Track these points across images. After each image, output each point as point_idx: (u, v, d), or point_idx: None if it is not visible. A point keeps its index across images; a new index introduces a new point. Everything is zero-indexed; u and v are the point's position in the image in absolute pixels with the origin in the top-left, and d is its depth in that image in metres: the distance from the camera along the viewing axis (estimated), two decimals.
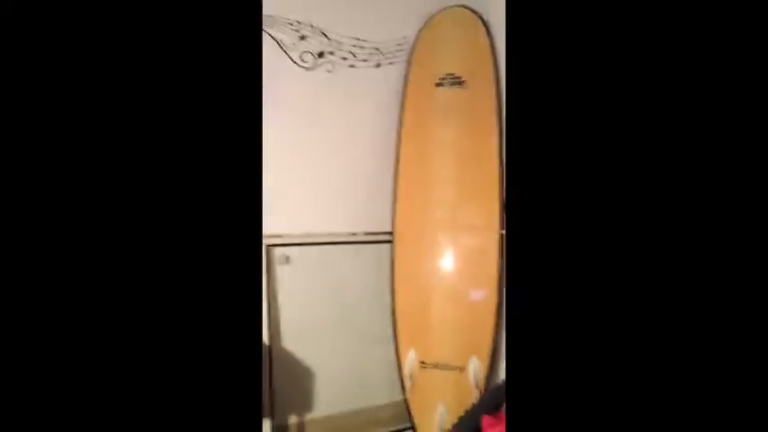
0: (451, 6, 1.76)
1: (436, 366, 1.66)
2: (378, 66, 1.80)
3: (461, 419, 1.23)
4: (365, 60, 1.78)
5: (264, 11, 1.57)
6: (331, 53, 1.71)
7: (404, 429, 1.79)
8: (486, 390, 1.58)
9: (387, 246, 1.78)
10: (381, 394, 1.86)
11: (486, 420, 1.17)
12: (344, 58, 1.74)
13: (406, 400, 1.69)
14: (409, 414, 1.69)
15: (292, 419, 1.75)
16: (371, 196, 1.84)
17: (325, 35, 1.69)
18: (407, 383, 1.67)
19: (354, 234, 1.83)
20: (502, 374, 1.52)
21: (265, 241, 1.62)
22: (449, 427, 1.48)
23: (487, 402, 1.25)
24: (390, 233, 1.77)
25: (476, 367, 1.60)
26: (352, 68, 1.76)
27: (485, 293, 1.64)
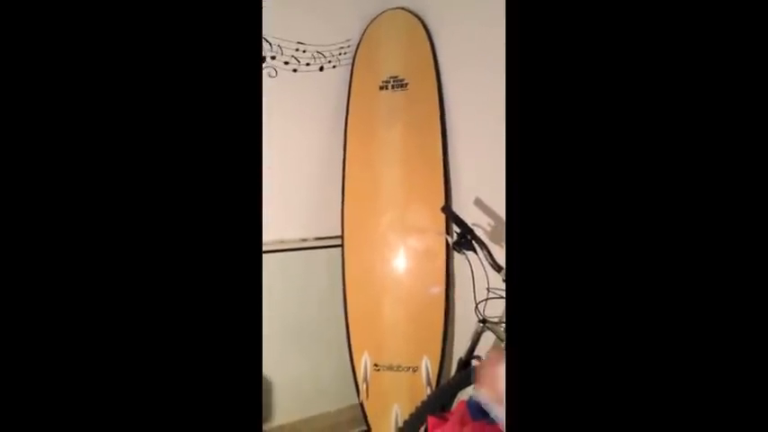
0: (392, 9, 1.77)
1: (390, 368, 1.67)
2: (321, 69, 1.79)
3: (407, 422, 1.23)
4: (308, 64, 1.76)
5: None
6: (273, 58, 1.69)
7: None
8: (434, 390, 1.59)
9: (338, 250, 1.78)
10: (338, 399, 1.86)
11: (431, 421, 1.18)
12: (287, 63, 1.72)
13: (361, 404, 1.70)
14: (365, 417, 1.69)
15: None
16: (320, 201, 1.83)
17: (266, 40, 1.66)
18: (362, 386, 1.67)
19: (305, 240, 1.82)
20: (452, 373, 1.53)
21: None
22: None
23: (433, 403, 1.26)
24: (340, 237, 1.76)
25: (428, 367, 1.62)
26: (296, 73, 1.74)
27: (441, 289, 1.66)
